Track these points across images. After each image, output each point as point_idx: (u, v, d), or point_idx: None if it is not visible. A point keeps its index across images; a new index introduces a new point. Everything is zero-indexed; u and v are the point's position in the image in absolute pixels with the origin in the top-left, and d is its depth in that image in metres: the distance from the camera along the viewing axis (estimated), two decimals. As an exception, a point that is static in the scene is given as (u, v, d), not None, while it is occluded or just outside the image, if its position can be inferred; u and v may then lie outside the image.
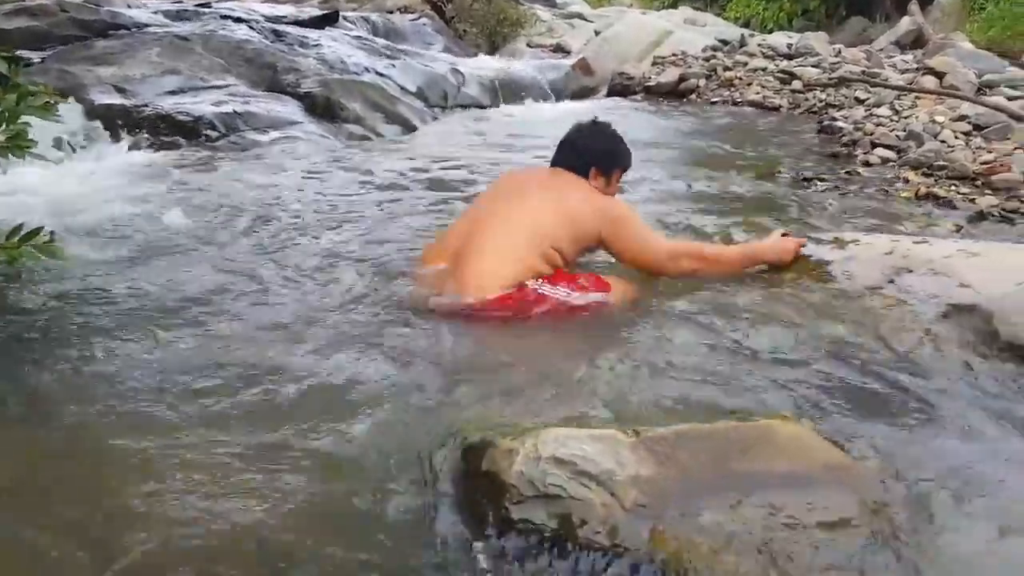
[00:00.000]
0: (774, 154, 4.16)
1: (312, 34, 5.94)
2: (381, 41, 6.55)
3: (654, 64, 6.91)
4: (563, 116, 5.66)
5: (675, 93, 6.33)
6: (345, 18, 7.17)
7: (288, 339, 1.81)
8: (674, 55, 6.95)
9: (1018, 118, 4.30)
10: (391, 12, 8.37)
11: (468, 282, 1.98)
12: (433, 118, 5.14)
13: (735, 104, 5.82)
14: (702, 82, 6.34)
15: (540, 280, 2.01)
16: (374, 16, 7.76)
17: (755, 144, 4.46)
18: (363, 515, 1.22)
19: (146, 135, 3.89)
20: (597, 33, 8.09)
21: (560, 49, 8.17)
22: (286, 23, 6.24)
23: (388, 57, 5.95)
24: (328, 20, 6.78)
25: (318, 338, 1.82)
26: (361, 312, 1.99)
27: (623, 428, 1.31)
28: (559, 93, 6.67)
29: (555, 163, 2.26)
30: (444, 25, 7.96)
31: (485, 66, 6.57)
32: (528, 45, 8.10)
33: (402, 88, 5.35)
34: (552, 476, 1.17)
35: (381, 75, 5.40)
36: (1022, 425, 1.46)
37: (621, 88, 6.60)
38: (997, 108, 4.40)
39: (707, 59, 6.77)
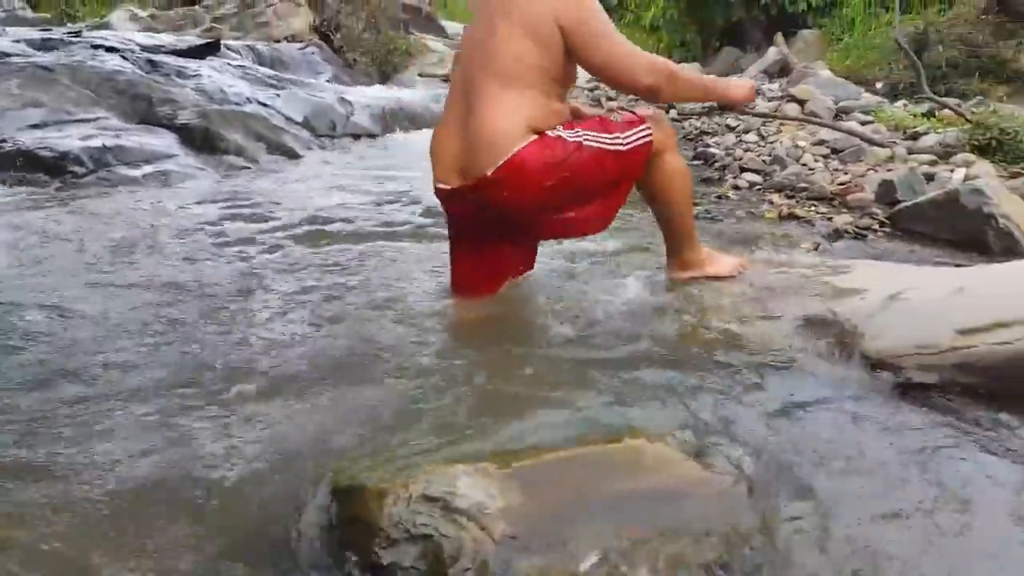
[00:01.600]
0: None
1: (191, 64, 5.77)
2: (266, 70, 6.43)
3: (541, 93, 7.08)
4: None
5: (562, 121, 6.50)
6: (228, 47, 7.00)
7: (132, 383, 1.74)
8: (559, 84, 7.15)
9: (870, 141, 4.68)
10: (278, 41, 8.23)
11: (480, 155, 1.87)
12: (320, 147, 5.08)
13: (619, 131, 6.03)
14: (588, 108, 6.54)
15: (561, 127, 1.88)
16: (259, 45, 7.61)
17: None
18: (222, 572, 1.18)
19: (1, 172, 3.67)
20: (486, 63, 8.23)
21: (451, 79, 8.25)
22: (163, 52, 6.04)
23: (273, 87, 5.85)
24: (209, 49, 6.60)
25: (177, 377, 1.76)
26: (226, 347, 1.94)
27: (495, 459, 1.33)
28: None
29: None
30: (333, 54, 7.89)
31: (376, 95, 6.56)
32: (419, 75, 8.14)
33: (287, 118, 5.27)
34: (422, 516, 1.17)
35: (265, 105, 5.30)
36: (881, 437, 1.55)
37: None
38: (851, 133, 4.76)
39: (591, 90, 7.01)
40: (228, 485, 1.37)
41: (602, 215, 2.13)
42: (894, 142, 4.87)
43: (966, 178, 3.80)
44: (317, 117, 5.46)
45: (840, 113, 5.76)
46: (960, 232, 3.21)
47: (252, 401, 1.66)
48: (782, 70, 8.41)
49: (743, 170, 4.38)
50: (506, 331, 2.02)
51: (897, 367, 1.75)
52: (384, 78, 8.02)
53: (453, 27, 11.34)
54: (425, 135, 5.97)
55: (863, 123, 5.42)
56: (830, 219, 3.51)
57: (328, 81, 6.90)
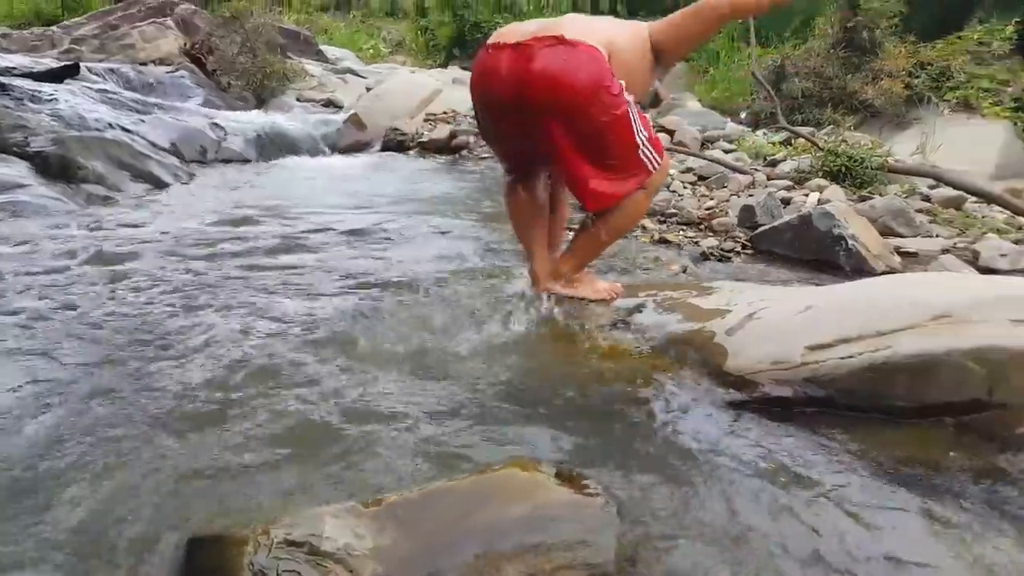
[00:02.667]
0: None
1: (47, 88, 5.41)
2: (130, 94, 6.12)
3: (426, 121, 7.10)
4: (334, 170, 5.67)
5: (448, 149, 6.54)
6: (90, 70, 6.62)
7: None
8: (444, 112, 7.20)
9: (732, 169, 4.98)
10: (145, 64, 7.86)
11: (555, 29, 2.05)
12: (189, 175, 4.86)
13: (502, 159, 6.12)
14: (472, 139, 6.61)
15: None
16: (125, 68, 7.24)
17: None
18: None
19: None
20: (369, 89, 8.17)
21: (332, 104, 8.14)
22: (15, 75, 5.63)
23: (138, 111, 5.58)
24: (67, 72, 6.22)
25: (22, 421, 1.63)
26: (79, 387, 1.81)
27: (364, 499, 1.30)
28: (331, 147, 6.65)
29: None
30: (205, 78, 7.61)
31: (250, 120, 6.37)
32: (298, 99, 7.97)
33: (153, 144, 5.02)
34: (285, 562, 1.12)
35: (128, 131, 5.03)
36: (745, 452, 1.62)
37: (395, 143, 6.71)
38: (715, 161, 5.05)
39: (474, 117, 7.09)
40: (78, 536, 1.27)
41: (578, 178, 2.18)
42: (755, 169, 5.21)
43: (819, 202, 4.11)
44: (186, 143, 5.23)
45: (706, 142, 6.11)
46: (814, 253, 3.45)
47: (107, 445, 1.55)
48: (654, 101, 8.83)
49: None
50: (373, 364, 1.98)
51: (755, 383, 1.85)
52: (260, 102, 7.81)
53: (333, 52, 11.23)
54: (302, 161, 5.91)
55: (727, 151, 5.77)
56: (697, 243, 3.68)
57: (200, 105, 6.63)
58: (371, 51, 13.85)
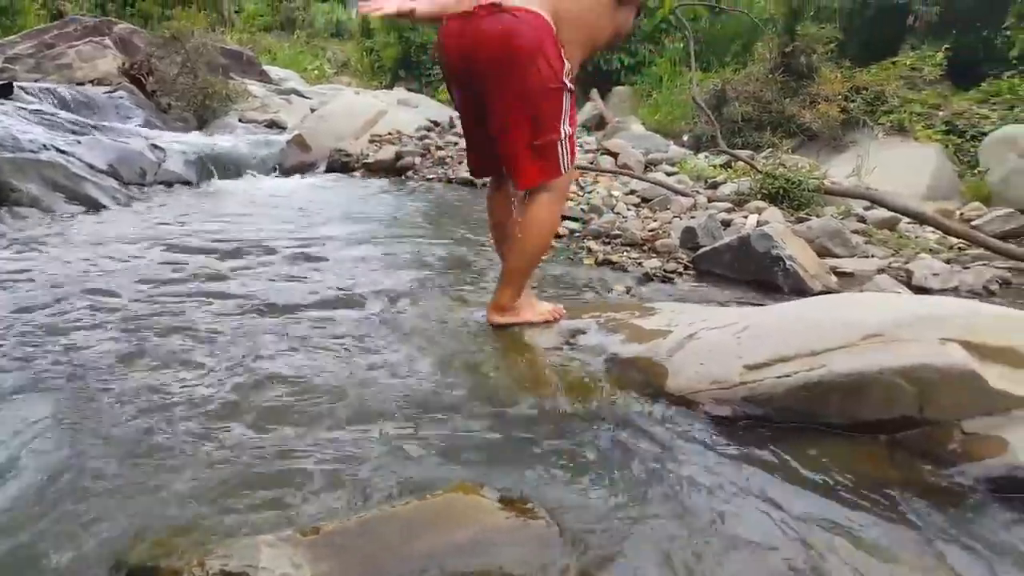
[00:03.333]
0: (480, 228, 4.43)
1: (-25, 107, 5.22)
2: (67, 115, 5.94)
3: (371, 142, 7.08)
4: (278, 192, 5.59)
5: (393, 170, 6.52)
6: (24, 90, 6.41)
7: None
8: (389, 133, 7.19)
9: (675, 191, 5.07)
10: (82, 84, 7.65)
11: None
12: (128, 197, 4.73)
13: (449, 181, 6.13)
14: (418, 159, 6.61)
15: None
16: (62, 88, 7.04)
17: (466, 218, 4.72)
18: None
19: None
20: (313, 110, 8.11)
21: (275, 125, 8.04)
22: (-60, 94, 5.42)
23: (74, 132, 5.41)
24: (0, 92, 6.01)
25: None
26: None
27: (301, 527, 1.27)
28: (275, 168, 6.57)
29: None
30: (145, 99, 7.44)
31: (191, 141, 6.25)
32: (240, 120, 7.85)
33: (90, 166, 4.88)
34: (218, 596, 1.09)
35: (64, 152, 4.87)
36: (686, 470, 1.63)
37: (340, 164, 6.67)
38: (657, 183, 5.14)
39: (420, 138, 7.09)
40: (6, 568, 1.21)
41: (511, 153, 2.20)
42: (697, 191, 5.32)
43: (757, 224, 4.21)
44: (124, 164, 5.10)
45: (649, 165, 6.22)
46: (753, 273, 3.52)
47: (38, 476, 1.48)
48: (599, 124, 8.97)
49: (564, 218, 4.56)
50: (313, 388, 1.94)
51: (696, 402, 1.87)
52: (202, 123, 7.67)
53: (277, 72, 11.12)
54: (243, 183, 5.81)
55: (670, 174, 5.89)
56: (641, 264, 3.73)
57: (139, 127, 6.47)
58: (316, 72, 13.78)
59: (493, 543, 1.30)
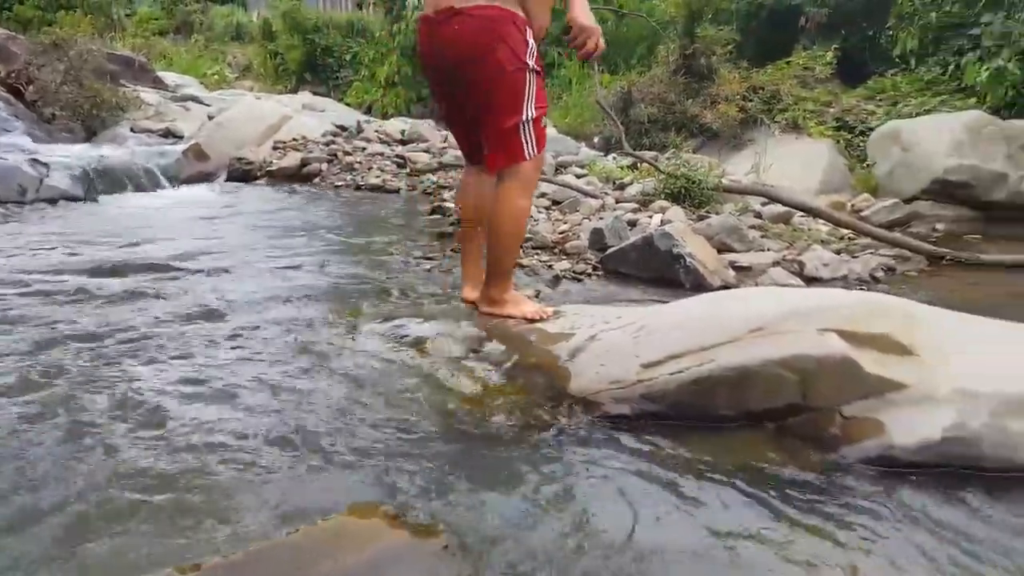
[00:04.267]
0: (390, 235, 4.38)
1: None
2: (-64, 128, 5.53)
3: (275, 148, 6.88)
4: (174, 204, 5.37)
5: (298, 177, 6.36)
6: None
7: None
8: (294, 139, 7.01)
9: (584, 193, 5.15)
10: (-47, 92, 7.13)
11: None
12: (4, 216, 4.43)
13: (358, 188, 6.03)
14: (324, 166, 6.47)
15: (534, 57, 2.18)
16: (-71, 98, 6.55)
17: (373, 226, 4.66)
18: None
19: None
20: (211, 117, 7.82)
21: (171, 134, 7.71)
22: None
23: (-55, 146, 5.04)
24: None
25: None
26: None
27: (181, 565, 1.21)
28: (171, 179, 6.30)
29: None
30: (25, 109, 7.01)
31: (78, 154, 5.92)
32: (133, 130, 7.48)
33: (-39, 183, 4.55)
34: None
35: (-68, 168, 4.53)
36: (589, 471, 1.65)
37: (241, 173, 6.45)
38: (567, 186, 5.21)
39: (327, 144, 6.95)
40: None
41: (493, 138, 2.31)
42: (605, 193, 5.41)
43: (661, 223, 4.31)
44: (1, 181, 4.77)
45: (560, 167, 6.29)
46: (657, 271, 3.61)
47: None
48: (437, 119, 9.01)
49: (474, 222, 4.56)
50: (207, 410, 1.87)
51: (597, 403, 1.90)
52: (91, 134, 7.27)
53: (173, 79, 10.69)
54: (136, 197, 5.54)
55: (579, 176, 5.97)
56: (551, 266, 3.77)
57: (19, 139, 6.09)
58: (216, 77, 13.32)
59: (388, 565, 1.28)
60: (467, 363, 2.17)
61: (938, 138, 6.20)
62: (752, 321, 1.85)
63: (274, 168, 6.38)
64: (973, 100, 7.12)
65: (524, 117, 2.22)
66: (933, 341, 1.80)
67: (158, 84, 9.47)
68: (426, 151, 6.70)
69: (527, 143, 2.25)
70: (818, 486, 1.61)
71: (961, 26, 7.62)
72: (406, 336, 2.35)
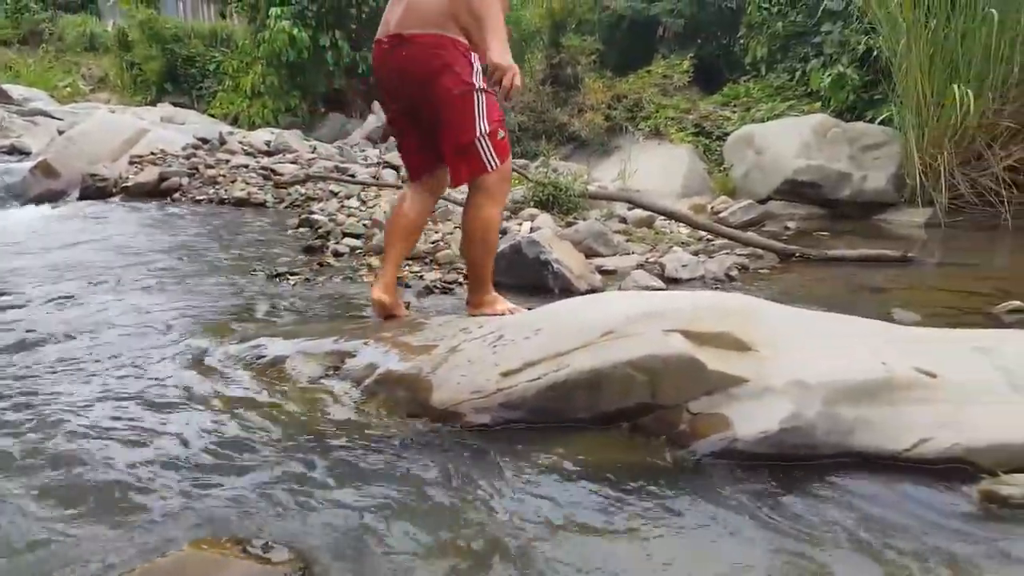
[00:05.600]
0: (255, 251, 4.22)
1: None
2: None
3: (131, 163, 6.49)
4: (17, 226, 4.95)
5: (157, 193, 6.02)
6: None
7: None
8: (152, 153, 6.64)
9: (455, 202, 5.15)
10: None
11: (413, 20, 2.34)
12: None
13: (222, 201, 5.78)
14: (185, 180, 6.16)
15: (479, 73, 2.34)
16: None
17: (237, 241, 4.47)
18: None
19: None
20: (62, 132, 7.28)
21: (17, 150, 7.13)
22: None
23: None
24: None
25: None
26: None
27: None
28: (18, 198, 5.82)
29: None
30: None
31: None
32: (-31, 147, 6.88)
33: None
34: None
35: None
36: (452, 481, 1.63)
37: (95, 190, 6.04)
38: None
39: (188, 157, 6.63)
40: None
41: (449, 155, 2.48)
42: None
43: (531, 230, 4.38)
44: None
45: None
46: (526, 278, 3.65)
47: None
48: (384, 135, 8.92)
49: (345, 235, 4.47)
50: (52, 442, 1.73)
51: (459, 413, 1.90)
52: (-83, 153, 6.61)
53: (20, 91, 9.91)
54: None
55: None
56: (422, 277, 3.74)
57: None
58: (68, 89, 12.44)
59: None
60: (326, 381, 2.11)
61: (787, 141, 6.65)
62: (604, 326, 1.90)
63: (130, 184, 6.01)
64: (818, 104, 7.68)
65: (479, 133, 2.37)
66: (771, 336, 1.91)
67: (3, 98, 8.72)
68: (293, 162, 6.51)
69: (487, 156, 2.40)
70: (668, 481, 1.66)
71: (805, 35, 8.21)
72: (263, 357, 2.26)
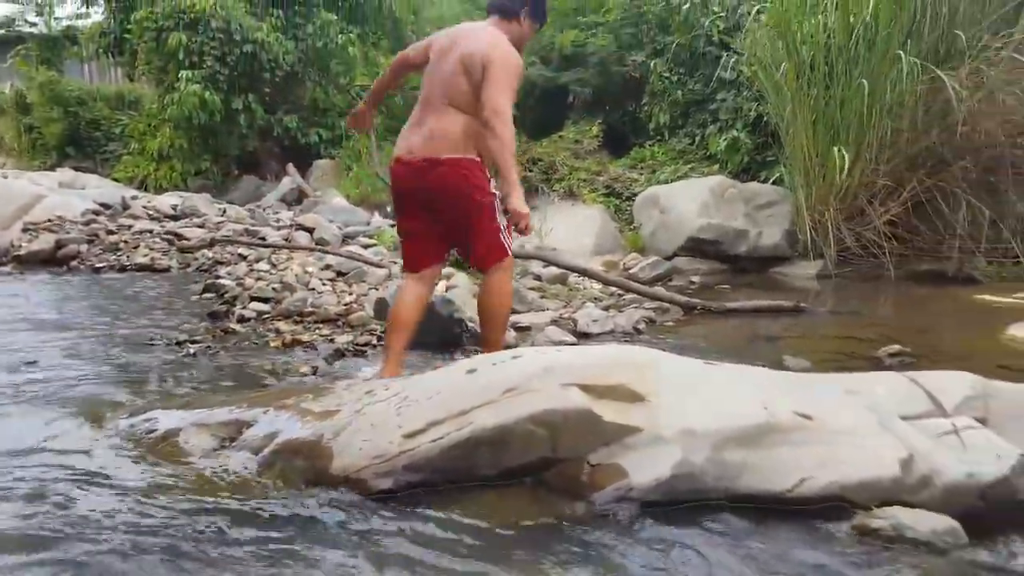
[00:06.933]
0: (154, 318, 4.08)
1: None
2: None
3: (25, 231, 6.23)
4: None
5: (54, 261, 5.80)
6: None
7: None
8: (49, 220, 6.39)
9: (369, 263, 5.16)
10: None
11: (439, 144, 2.83)
12: None
13: (123, 268, 5.60)
14: (84, 247, 5.95)
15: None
16: None
17: (136, 309, 4.32)
18: None
19: None
20: (-52, 199, 6.93)
21: None
22: None
23: None
24: None
25: None
26: None
27: None
28: None
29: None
30: None
31: None
32: None
33: None
34: None
35: None
36: (344, 551, 1.60)
37: (-15, 259, 5.75)
38: (351, 256, 5.20)
39: (87, 223, 6.41)
40: None
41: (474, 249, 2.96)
42: (393, 262, 5.46)
43: (447, 289, 4.42)
44: None
45: (347, 238, 6.27)
46: (440, 335, 3.68)
47: None
48: (299, 198, 8.87)
49: (252, 299, 4.39)
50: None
51: (360, 480, 1.87)
52: None
53: None
54: None
55: (367, 246, 5.98)
56: (332, 340, 3.70)
57: None
58: (-40, 153, 11.86)
59: None
60: (222, 453, 2.06)
61: (689, 201, 6.99)
62: (505, 382, 1.94)
63: (23, 252, 5.76)
64: (716, 166, 8.13)
65: (501, 227, 2.86)
66: (665, 386, 1.98)
67: None
68: (201, 226, 6.39)
69: (507, 243, 2.91)
70: (567, 532, 1.69)
71: (703, 102, 8.73)
72: (155, 431, 2.19)
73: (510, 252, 2.94)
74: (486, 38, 2.88)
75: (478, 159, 2.85)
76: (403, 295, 3.02)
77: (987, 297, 5.04)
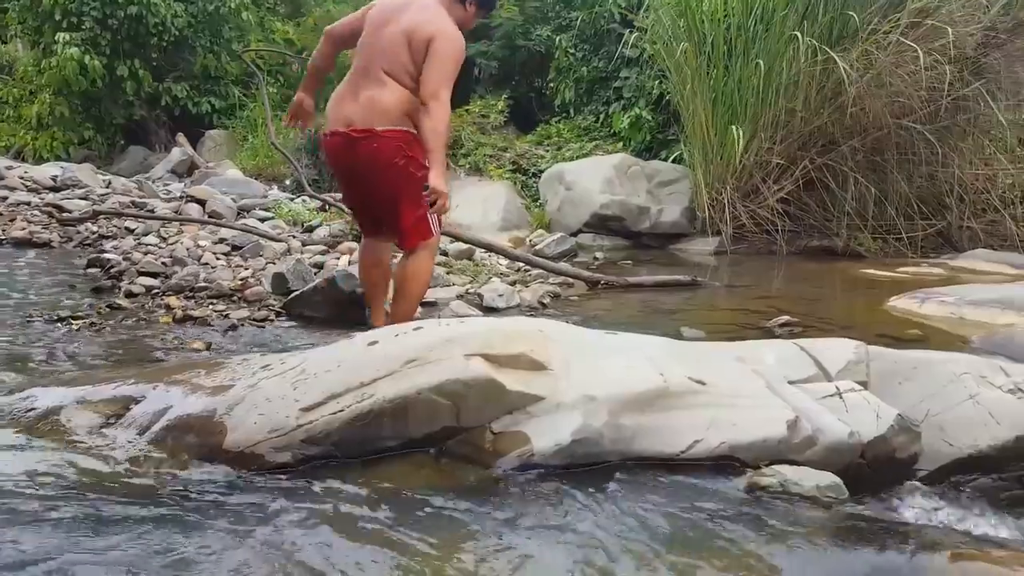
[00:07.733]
0: (33, 294, 3.81)
1: None
2: None
3: None
4: None
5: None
6: None
7: None
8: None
9: (266, 237, 4.98)
10: None
11: (374, 116, 2.84)
12: None
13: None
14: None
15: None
16: None
17: (12, 284, 4.01)
18: None
19: None
20: None
21: None
22: None
23: None
24: None
25: None
26: None
27: None
28: None
29: None
30: None
31: None
32: None
33: None
34: None
35: None
36: (243, 528, 1.54)
37: None
38: (247, 230, 5.00)
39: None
40: None
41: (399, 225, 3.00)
42: (292, 236, 5.29)
43: (348, 264, 4.32)
44: None
45: (242, 211, 6.02)
46: (342, 312, 3.59)
47: None
48: (190, 169, 8.44)
49: (140, 274, 4.15)
50: None
51: (256, 455, 1.81)
52: None
53: None
54: None
55: (263, 219, 5.76)
56: (227, 315, 3.55)
57: None
58: None
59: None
60: (106, 431, 1.94)
61: (593, 178, 7.09)
62: (407, 354, 1.91)
63: None
64: (620, 144, 8.27)
65: (430, 206, 2.82)
66: (565, 355, 2.01)
67: None
68: (83, 198, 5.99)
69: (433, 224, 2.93)
70: (469, 498, 1.69)
71: (607, 80, 8.83)
72: (33, 409, 2.04)
73: (435, 233, 2.96)
74: (432, 15, 2.85)
75: (415, 132, 2.84)
76: (360, 258, 3.25)
77: (871, 271, 5.37)
